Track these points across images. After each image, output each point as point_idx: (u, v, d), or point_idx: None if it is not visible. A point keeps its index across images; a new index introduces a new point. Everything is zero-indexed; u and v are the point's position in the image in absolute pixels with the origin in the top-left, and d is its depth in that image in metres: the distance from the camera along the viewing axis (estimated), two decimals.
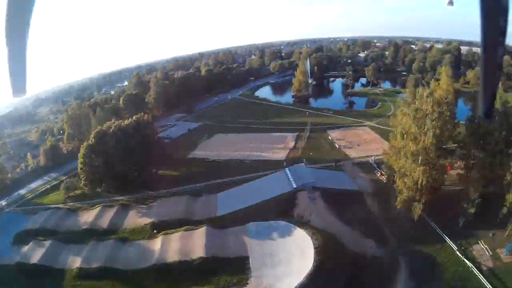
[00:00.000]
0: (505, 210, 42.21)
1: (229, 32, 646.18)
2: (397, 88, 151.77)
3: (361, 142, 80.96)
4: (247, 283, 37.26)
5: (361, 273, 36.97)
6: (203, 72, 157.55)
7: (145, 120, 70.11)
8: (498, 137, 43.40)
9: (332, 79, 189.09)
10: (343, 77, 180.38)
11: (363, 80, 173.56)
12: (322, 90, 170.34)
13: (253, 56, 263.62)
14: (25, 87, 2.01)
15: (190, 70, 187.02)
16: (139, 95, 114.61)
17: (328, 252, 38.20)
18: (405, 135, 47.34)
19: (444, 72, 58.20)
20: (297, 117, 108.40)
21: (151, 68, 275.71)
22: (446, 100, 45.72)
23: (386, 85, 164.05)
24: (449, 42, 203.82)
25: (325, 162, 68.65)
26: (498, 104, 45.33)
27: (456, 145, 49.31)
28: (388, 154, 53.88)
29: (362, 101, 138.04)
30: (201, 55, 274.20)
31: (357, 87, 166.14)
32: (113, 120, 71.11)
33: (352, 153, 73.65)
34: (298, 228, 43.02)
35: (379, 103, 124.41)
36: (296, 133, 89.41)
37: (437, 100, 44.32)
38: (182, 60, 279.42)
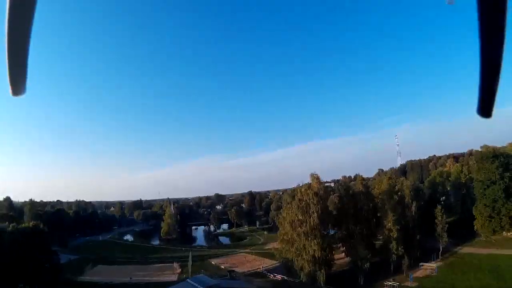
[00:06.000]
0: (394, 257, 55.29)
1: (90, 188, 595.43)
2: (258, 227, 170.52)
3: (245, 262, 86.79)
4: None
5: None
6: (71, 213, 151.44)
7: (43, 228, 62.92)
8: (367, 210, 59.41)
9: (194, 227, 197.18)
10: (205, 225, 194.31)
11: (224, 226, 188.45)
12: (187, 236, 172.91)
13: (112, 208, 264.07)
14: (24, 87, 1.93)
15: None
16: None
17: None
18: (292, 223, 57.87)
19: (313, 177, 75.30)
20: (175, 253, 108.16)
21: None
22: (321, 193, 60.26)
23: None
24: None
25: (218, 277, 70.21)
26: (359, 186, 63.20)
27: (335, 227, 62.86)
28: (279, 249, 62.68)
29: (228, 240, 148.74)
30: (60, 203, 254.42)
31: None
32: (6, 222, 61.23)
33: (240, 269, 78.21)
34: None
35: (248, 237, 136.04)
36: (179, 263, 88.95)
37: (315, 191, 58.36)
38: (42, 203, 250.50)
